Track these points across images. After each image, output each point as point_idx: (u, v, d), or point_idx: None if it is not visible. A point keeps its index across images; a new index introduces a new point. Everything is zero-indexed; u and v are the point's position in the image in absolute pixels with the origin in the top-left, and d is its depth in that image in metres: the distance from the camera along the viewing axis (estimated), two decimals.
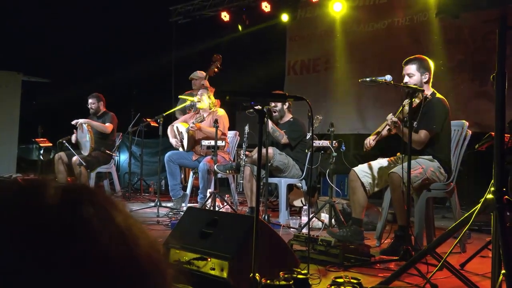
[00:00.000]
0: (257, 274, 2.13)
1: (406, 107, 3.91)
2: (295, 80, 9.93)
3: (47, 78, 10.56)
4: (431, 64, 4.24)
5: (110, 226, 0.53)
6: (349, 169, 4.47)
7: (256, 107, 2.27)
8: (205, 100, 6.51)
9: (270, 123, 5.55)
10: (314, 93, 9.10)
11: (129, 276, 0.51)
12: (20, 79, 9.83)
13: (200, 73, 7.35)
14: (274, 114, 5.74)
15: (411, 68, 4.19)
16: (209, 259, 3.10)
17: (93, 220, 0.51)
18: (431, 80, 4.27)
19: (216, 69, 7.29)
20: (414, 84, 4.07)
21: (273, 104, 5.62)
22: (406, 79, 4.18)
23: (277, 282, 1.98)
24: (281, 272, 2.12)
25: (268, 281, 1.95)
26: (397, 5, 8.50)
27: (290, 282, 1.97)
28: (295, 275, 2.05)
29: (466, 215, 2.73)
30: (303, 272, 2.16)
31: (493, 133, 4.07)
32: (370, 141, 4.27)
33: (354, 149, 8.99)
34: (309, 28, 9.79)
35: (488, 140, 4.34)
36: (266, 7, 9.17)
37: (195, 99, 6.66)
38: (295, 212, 6.30)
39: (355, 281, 1.97)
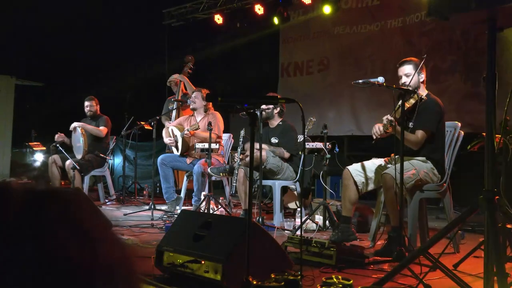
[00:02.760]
0: (250, 277, 2.14)
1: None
2: (288, 82, 9.95)
3: (41, 82, 10.53)
4: (423, 65, 4.28)
5: (72, 228, 0.53)
6: (343, 170, 4.48)
7: (249, 110, 2.28)
8: (198, 101, 6.52)
9: (267, 146, 5.55)
10: (308, 95, 9.12)
11: (91, 278, 0.51)
12: (13, 83, 9.82)
13: (176, 75, 7.48)
14: (262, 114, 5.71)
15: (408, 68, 4.21)
16: (202, 262, 3.10)
17: (55, 222, 0.52)
18: (425, 81, 4.31)
19: (189, 70, 7.36)
20: (413, 84, 4.11)
21: (265, 106, 5.62)
22: (404, 79, 4.20)
23: (268, 284, 1.98)
24: (272, 274, 2.12)
25: (259, 283, 1.95)
26: (390, 7, 8.53)
27: (281, 284, 1.97)
28: (286, 277, 2.06)
29: (458, 215, 2.74)
30: (295, 274, 2.16)
31: (484, 134, 4.11)
32: (379, 127, 4.14)
33: (347, 150, 9.02)
34: (302, 30, 9.82)
35: (480, 141, 4.37)
36: (259, 9, 9.19)
37: (189, 101, 6.67)
38: (289, 214, 6.31)
39: (346, 282, 1.98)
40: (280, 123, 5.84)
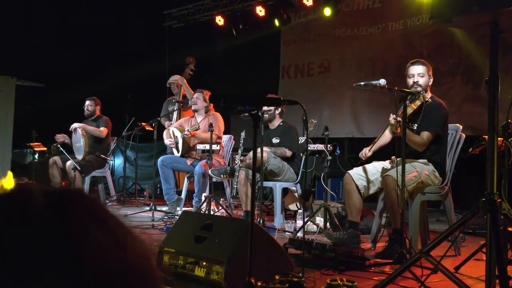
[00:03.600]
0: (252, 278, 2.14)
1: (408, 109, 3.96)
2: (289, 84, 9.95)
3: (41, 83, 10.53)
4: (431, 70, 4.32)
5: (101, 227, 0.53)
6: (344, 172, 4.48)
7: (251, 111, 2.28)
8: (199, 102, 6.52)
9: (268, 148, 5.57)
10: (308, 97, 9.12)
11: (120, 280, 0.51)
12: (14, 83, 9.80)
13: (176, 77, 7.47)
14: (264, 116, 5.72)
15: (422, 68, 4.21)
16: (204, 263, 3.10)
17: (84, 222, 0.52)
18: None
19: (191, 72, 7.36)
20: (424, 84, 4.14)
21: (266, 108, 5.63)
22: (415, 78, 4.19)
23: (272, 285, 1.98)
24: (276, 276, 2.12)
25: (264, 284, 1.95)
26: (391, 10, 8.53)
27: (285, 285, 1.97)
28: (290, 278, 2.06)
29: (460, 218, 2.74)
30: (297, 275, 2.16)
31: (486, 137, 4.11)
32: (366, 151, 4.31)
33: (348, 152, 9.02)
34: (303, 32, 9.82)
35: (482, 144, 4.37)
36: (260, 11, 9.18)
37: (190, 102, 6.68)
38: (290, 215, 6.30)
39: (350, 283, 1.98)
40: (281, 123, 5.85)
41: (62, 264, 0.48)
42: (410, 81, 4.21)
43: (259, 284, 1.97)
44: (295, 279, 2.06)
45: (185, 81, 7.41)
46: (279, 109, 5.79)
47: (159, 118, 6.55)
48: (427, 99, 4.13)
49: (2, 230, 0.49)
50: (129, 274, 0.52)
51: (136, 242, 0.55)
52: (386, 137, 4.44)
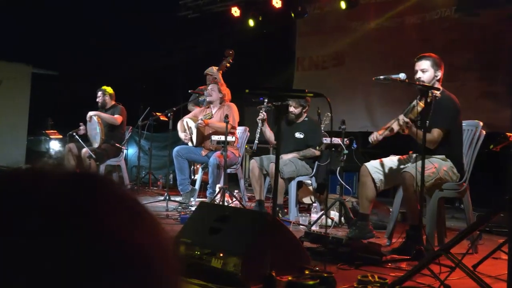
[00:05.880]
0: (273, 271, 2.13)
1: (417, 107, 3.90)
2: (304, 76, 9.91)
3: (57, 71, 10.58)
4: (442, 63, 4.22)
5: (127, 209, 0.52)
6: (358, 166, 4.46)
7: (275, 103, 2.26)
8: (214, 94, 6.51)
9: (293, 154, 5.57)
10: (323, 90, 8.91)
11: (150, 259, 0.51)
12: (30, 71, 9.88)
13: (215, 69, 7.37)
14: (290, 115, 5.76)
15: (425, 64, 4.15)
16: (221, 254, 3.10)
17: (111, 204, 0.51)
18: (441, 79, 4.25)
19: (228, 64, 7.28)
20: (427, 80, 4.07)
21: (292, 108, 5.65)
22: (419, 74, 4.15)
23: (303, 280, 1.97)
24: (306, 270, 2.12)
25: (294, 279, 1.94)
26: (409, 4, 8.44)
27: (316, 281, 1.96)
28: (320, 273, 2.05)
29: (482, 215, 2.71)
30: (319, 269, 2.15)
31: (509, 134, 4.06)
32: (377, 135, 4.18)
33: (362, 146, 8.97)
34: (318, 25, 9.76)
35: (504, 141, 4.31)
36: (277, 3, 9.13)
37: (205, 93, 6.66)
38: (303, 209, 6.29)
39: (382, 280, 1.97)
40: (306, 118, 5.85)
41: (91, 250, 0.47)
42: (415, 77, 4.16)
43: (289, 278, 1.96)
44: (325, 274, 2.05)
45: (220, 76, 7.24)
46: (306, 107, 5.79)
47: (174, 109, 6.52)
48: (435, 94, 4.04)
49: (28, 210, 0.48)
50: (159, 257, 0.51)
51: (161, 225, 0.55)
52: (395, 129, 4.37)
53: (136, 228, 0.51)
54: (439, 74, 4.18)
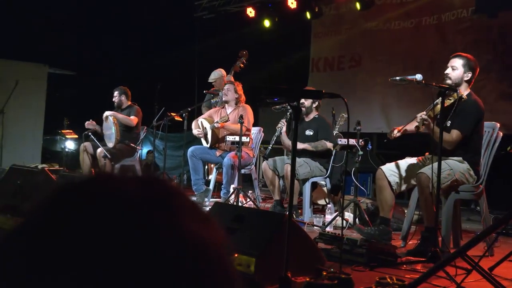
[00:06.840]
0: (288, 273, 2.13)
1: (439, 106, 3.86)
2: (318, 77, 9.89)
3: (73, 71, 10.67)
4: (477, 67, 4.17)
5: (195, 212, 0.53)
6: (373, 167, 4.43)
7: (291, 104, 2.26)
8: (230, 94, 6.52)
9: (305, 144, 5.58)
10: (338, 91, 8.90)
11: (220, 258, 0.52)
12: (46, 71, 9.97)
13: (219, 72, 7.36)
14: (302, 110, 5.73)
15: (457, 62, 4.12)
16: (236, 255, 3.10)
17: (182, 206, 0.52)
18: (472, 82, 4.20)
19: (242, 65, 7.26)
20: (454, 78, 4.04)
21: (302, 100, 5.62)
22: (448, 70, 4.13)
23: (321, 281, 1.96)
24: (323, 272, 2.11)
25: (313, 280, 1.94)
26: (426, 4, 8.39)
27: (334, 282, 1.95)
28: (338, 275, 2.04)
29: (497, 218, 2.68)
30: (335, 271, 2.14)
31: None
32: (395, 132, 4.18)
33: (377, 148, 8.92)
34: (333, 25, 9.73)
35: None
36: (292, 3, 9.11)
37: (221, 93, 6.67)
38: (317, 210, 6.28)
39: (400, 282, 1.95)
40: (316, 116, 5.85)
41: (170, 255, 0.48)
42: (444, 72, 4.15)
43: (307, 279, 1.95)
44: (343, 276, 2.04)
45: (232, 77, 7.22)
46: (316, 102, 5.78)
47: (189, 109, 6.54)
48: (461, 96, 4.01)
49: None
50: (226, 255, 0.53)
51: (224, 233, 0.56)
52: (413, 126, 4.35)
53: (208, 228, 0.53)
54: (470, 75, 4.13)
